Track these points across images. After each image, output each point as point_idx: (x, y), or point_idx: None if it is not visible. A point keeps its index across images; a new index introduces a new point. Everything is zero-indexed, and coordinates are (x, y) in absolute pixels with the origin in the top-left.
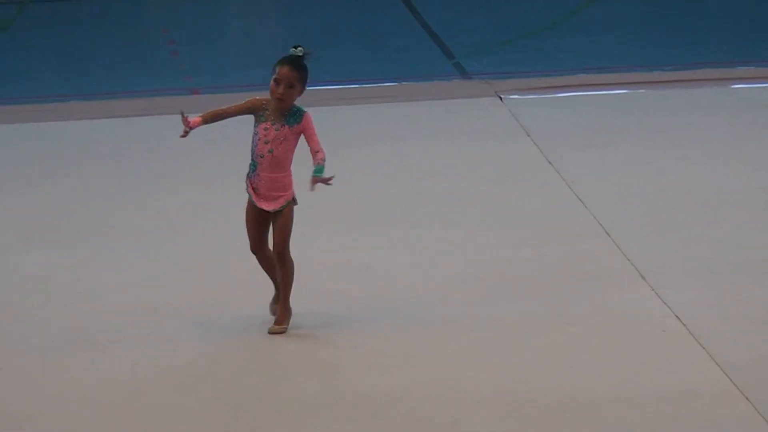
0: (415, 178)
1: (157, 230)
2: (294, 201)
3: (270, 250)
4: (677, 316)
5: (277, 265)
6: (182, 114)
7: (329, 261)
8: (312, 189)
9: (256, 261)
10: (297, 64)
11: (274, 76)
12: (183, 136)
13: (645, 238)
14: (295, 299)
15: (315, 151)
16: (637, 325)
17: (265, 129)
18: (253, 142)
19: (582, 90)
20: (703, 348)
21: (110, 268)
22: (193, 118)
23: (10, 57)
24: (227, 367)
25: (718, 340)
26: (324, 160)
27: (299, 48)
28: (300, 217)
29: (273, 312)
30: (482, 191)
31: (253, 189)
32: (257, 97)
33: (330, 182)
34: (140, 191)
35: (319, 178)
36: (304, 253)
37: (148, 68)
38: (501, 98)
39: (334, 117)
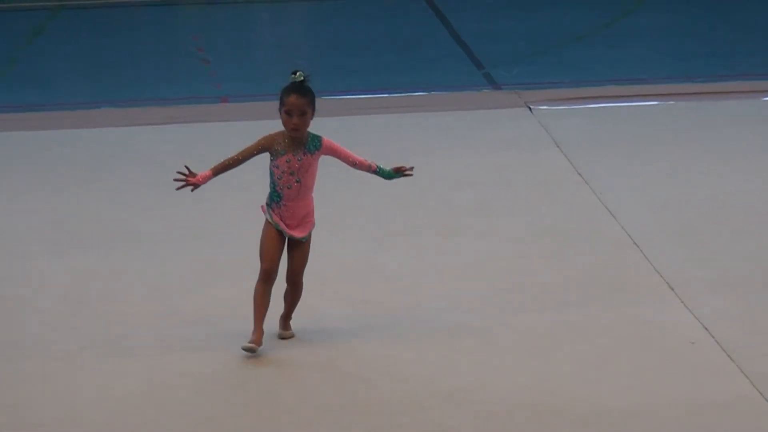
0: (444, 189)
1: (187, 237)
2: (313, 225)
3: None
4: (706, 328)
5: (291, 292)
6: (187, 169)
7: (359, 270)
8: (407, 171)
9: (259, 287)
10: (303, 89)
11: (283, 108)
12: (192, 190)
13: (674, 250)
14: (324, 307)
15: (353, 163)
16: (665, 337)
17: (288, 161)
18: (273, 175)
19: (612, 101)
20: (732, 360)
21: (140, 275)
22: (202, 173)
23: (42, 63)
24: (257, 377)
25: (746, 352)
26: (374, 165)
27: (299, 73)
28: (331, 226)
29: (248, 348)
30: (511, 202)
31: (281, 219)
32: (267, 135)
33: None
34: (170, 198)
35: (396, 169)
36: (334, 262)
37: (178, 76)
38: (530, 109)
39: (364, 126)
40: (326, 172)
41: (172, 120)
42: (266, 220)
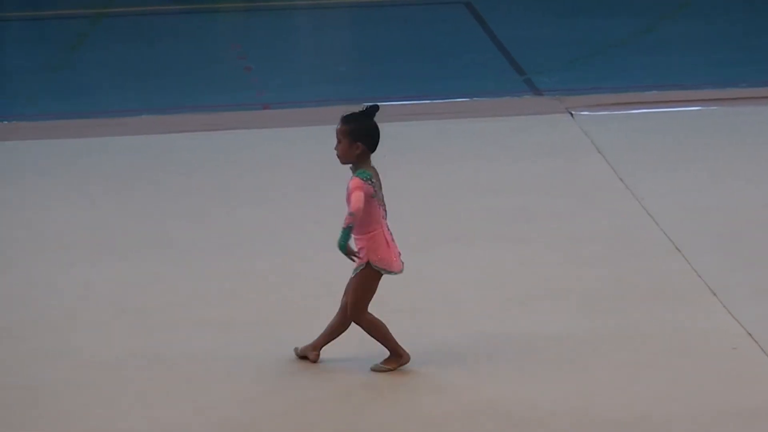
0: (484, 195)
1: (227, 245)
2: (371, 266)
3: (367, 313)
4: (749, 333)
5: (336, 316)
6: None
7: (398, 277)
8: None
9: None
10: (346, 117)
11: None
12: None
13: (716, 256)
14: None
15: (348, 215)
16: (708, 343)
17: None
18: None
19: (654, 107)
20: None
21: (180, 283)
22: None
23: (83, 71)
24: (295, 383)
25: None
26: (347, 222)
27: (366, 105)
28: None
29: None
30: (552, 208)
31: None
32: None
33: (354, 258)
34: (211, 206)
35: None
36: None
37: (219, 83)
38: (572, 115)
39: (404, 133)
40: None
41: (213, 127)
42: None
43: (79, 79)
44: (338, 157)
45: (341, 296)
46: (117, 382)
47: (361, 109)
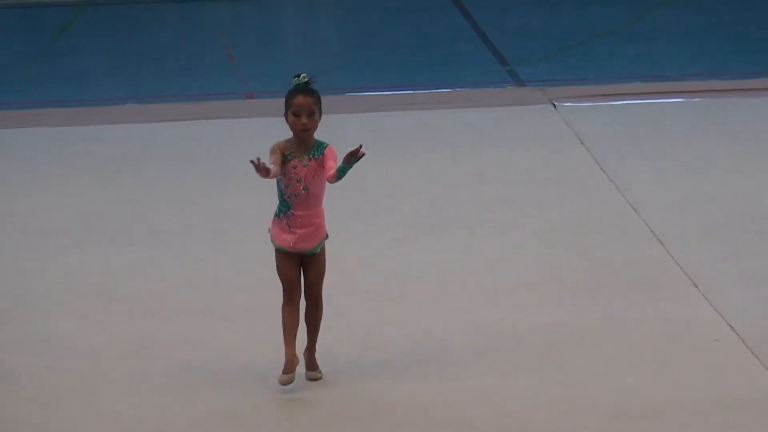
0: (467, 185)
1: (213, 233)
2: (326, 236)
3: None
4: (730, 325)
5: (310, 311)
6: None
7: (383, 266)
8: (357, 154)
9: (285, 309)
10: (308, 90)
11: (290, 110)
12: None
13: (698, 247)
14: (349, 305)
15: (331, 171)
16: (690, 334)
17: (294, 167)
18: (281, 183)
19: (637, 98)
20: (756, 357)
21: (166, 270)
22: (269, 170)
23: (67, 60)
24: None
25: None
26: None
27: (302, 75)
28: (355, 223)
29: (288, 382)
30: (535, 198)
31: (288, 229)
32: (279, 143)
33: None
34: (196, 194)
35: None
36: (359, 259)
37: (204, 72)
38: (555, 105)
39: (387, 123)
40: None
41: (198, 116)
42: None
43: (64, 68)
44: (308, 129)
45: (313, 277)
46: (101, 369)
47: (303, 80)
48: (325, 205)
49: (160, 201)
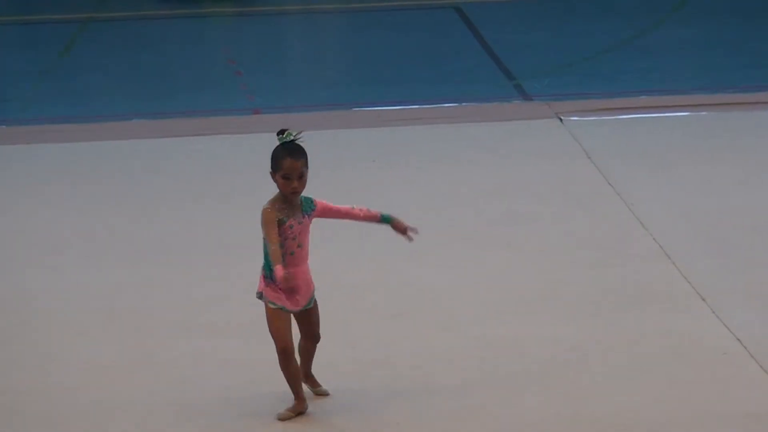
0: (473, 200)
1: (219, 250)
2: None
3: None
4: (738, 339)
5: (310, 345)
6: (286, 279)
7: (388, 282)
8: (408, 234)
9: (283, 364)
10: (295, 152)
11: (280, 173)
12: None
13: (705, 261)
14: (355, 320)
15: (352, 210)
16: (697, 348)
17: (291, 227)
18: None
19: (643, 112)
20: (765, 371)
21: (172, 287)
22: (280, 272)
23: (73, 75)
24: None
25: None
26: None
27: (287, 133)
28: (360, 238)
29: (285, 418)
30: (542, 213)
31: (282, 292)
32: (267, 209)
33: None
34: (202, 211)
35: (398, 222)
36: (364, 275)
37: (209, 88)
38: (561, 120)
39: (393, 138)
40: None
41: (204, 132)
42: (266, 306)
43: (69, 84)
44: (297, 192)
45: (312, 326)
46: (106, 386)
47: (288, 138)
48: (329, 222)
49: (166, 217)
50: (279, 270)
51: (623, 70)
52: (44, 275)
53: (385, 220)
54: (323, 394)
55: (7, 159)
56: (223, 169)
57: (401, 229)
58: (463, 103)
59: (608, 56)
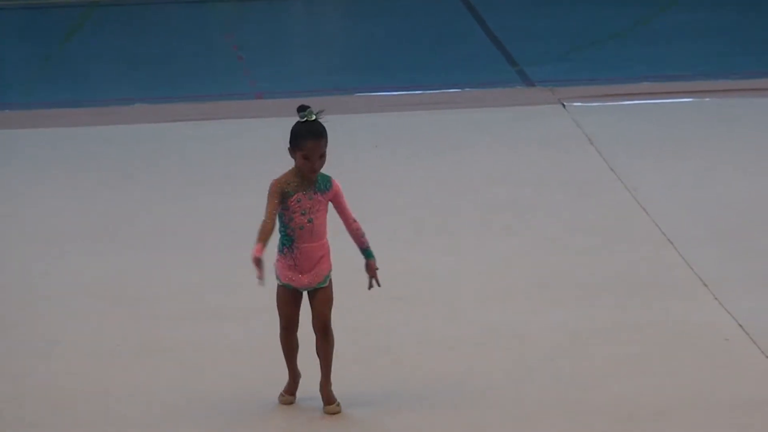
0: (477, 185)
1: (222, 234)
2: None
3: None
4: (740, 325)
5: (321, 343)
6: (257, 262)
7: (392, 267)
8: (372, 281)
9: (283, 336)
10: (317, 131)
11: (301, 153)
12: (260, 277)
13: (708, 247)
14: (357, 305)
15: (352, 221)
16: (700, 334)
17: (298, 201)
18: (283, 217)
19: (646, 98)
20: (767, 357)
21: (175, 272)
22: (257, 253)
23: (77, 60)
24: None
25: None
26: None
27: (308, 110)
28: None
29: (286, 402)
30: (544, 199)
31: (294, 267)
32: (275, 181)
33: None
34: (205, 195)
35: (374, 263)
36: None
37: (212, 73)
38: (564, 106)
39: (396, 123)
40: (357, 171)
41: (206, 116)
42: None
43: (73, 69)
44: (316, 172)
45: (317, 307)
46: (109, 371)
47: (311, 117)
48: (329, 207)
49: (169, 202)
50: (257, 249)
51: (626, 56)
52: (46, 260)
53: (367, 255)
54: (334, 413)
55: (11, 143)
56: (225, 154)
57: (372, 272)
58: (466, 89)
59: (611, 42)
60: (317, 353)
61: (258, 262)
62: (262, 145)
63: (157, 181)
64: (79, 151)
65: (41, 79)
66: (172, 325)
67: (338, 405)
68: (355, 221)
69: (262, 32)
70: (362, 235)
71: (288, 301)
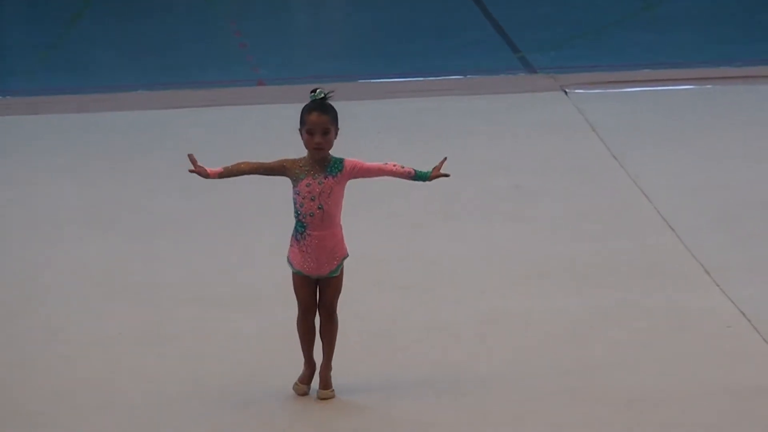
0: (479, 172)
1: (223, 222)
2: (346, 255)
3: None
4: (742, 312)
5: (325, 325)
6: (190, 157)
7: (395, 255)
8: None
9: (301, 320)
10: (324, 107)
11: (305, 128)
12: (192, 171)
13: (710, 234)
14: (362, 292)
15: (385, 165)
16: (702, 321)
17: (308, 185)
18: (295, 203)
19: (648, 85)
20: None
21: (176, 259)
22: (212, 169)
23: (79, 47)
24: (290, 356)
25: None
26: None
27: (318, 90)
28: (368, 211)
29: (300, 392)
30: (547, 186)
31: (305, 254)
32: (289, 158)
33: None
34: (206, 182)
35: (436, 170)
36: (372, 247)
37: (215, 59)
38: (566, 93)
39: (400, 110)
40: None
41: (209, 103)
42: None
43: (75, 55)
44: (322, 148)
45: (325, 295)
46: (112, 358)
47: (319, 96)
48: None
49: (171, 189)
50: (212, 170)
51: (628, 43)
52: (49, 247)
53: (420, 176)
54: (327, 398)
55: (14, 130)
56: (228, 141)
57: (437, 175)
58: (468, 76)
59: (614, 29)
60: (320, 336)
61: (195, 164)
62: (264, 131)
63: (158, 168)
64: (82, 137)
65: (43, 66)
66: (176, 312)
67: (332, 391)
68: (386, 164)
69: (265, 19)
70: (402, 167)
71: (303, 284)
